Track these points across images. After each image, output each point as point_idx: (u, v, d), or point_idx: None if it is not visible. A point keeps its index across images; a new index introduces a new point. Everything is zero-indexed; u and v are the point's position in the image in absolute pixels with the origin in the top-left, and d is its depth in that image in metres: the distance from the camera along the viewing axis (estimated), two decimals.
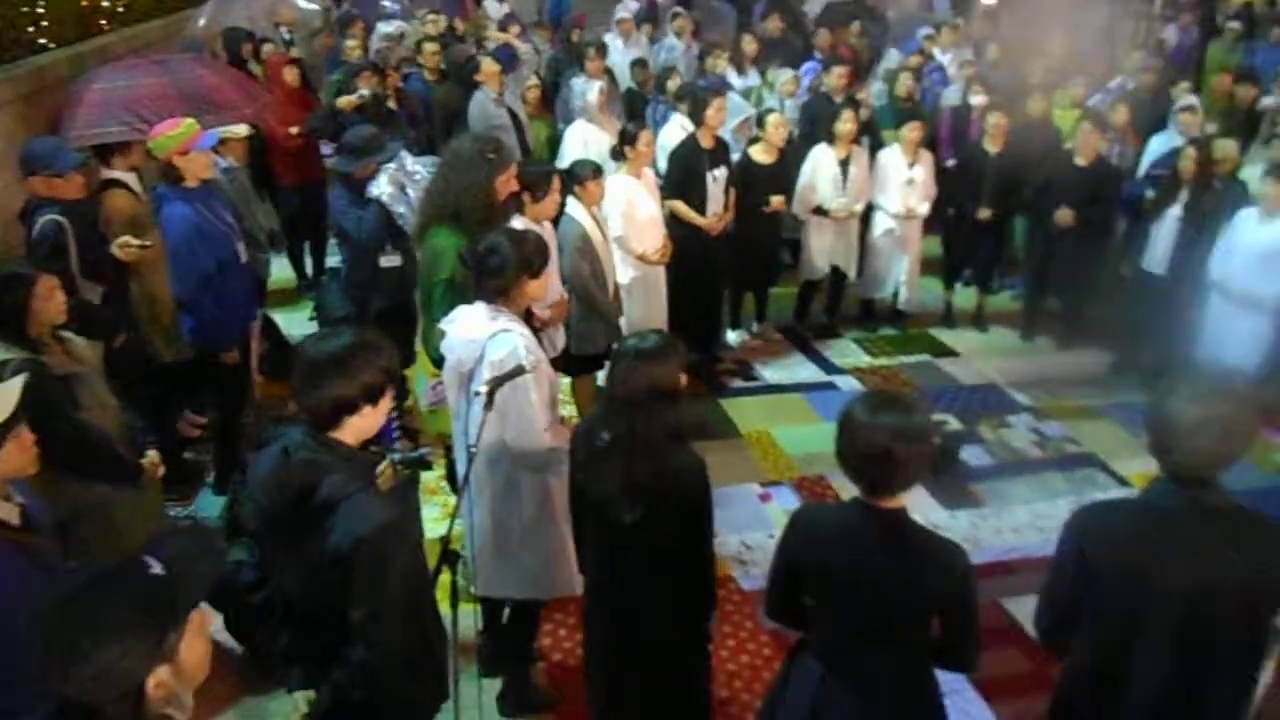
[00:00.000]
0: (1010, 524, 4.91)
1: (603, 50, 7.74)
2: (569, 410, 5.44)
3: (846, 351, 6.75)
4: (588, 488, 2.90)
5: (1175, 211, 5.83)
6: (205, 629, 1.65)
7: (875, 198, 6.58)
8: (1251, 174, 5.94)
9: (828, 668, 2.47)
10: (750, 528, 4.78)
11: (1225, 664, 2.13)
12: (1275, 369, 5.52)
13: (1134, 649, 2.30)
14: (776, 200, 6.17)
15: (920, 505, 5.01)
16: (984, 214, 6.57)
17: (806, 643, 2.58)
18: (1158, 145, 6.72)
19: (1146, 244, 6.00)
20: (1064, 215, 6.25)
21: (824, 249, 6.59)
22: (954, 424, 5.85)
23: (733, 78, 8.10)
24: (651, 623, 2.86)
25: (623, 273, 5.41)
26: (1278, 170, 5.34)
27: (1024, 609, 4.00)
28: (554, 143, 7.20)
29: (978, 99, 7.38)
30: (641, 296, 5.55)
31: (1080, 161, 6.30)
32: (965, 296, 7.25)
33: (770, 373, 6.44)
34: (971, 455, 5.51)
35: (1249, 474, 5.31)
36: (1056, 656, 2.58)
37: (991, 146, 6.58)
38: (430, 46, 7.80)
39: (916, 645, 2.40)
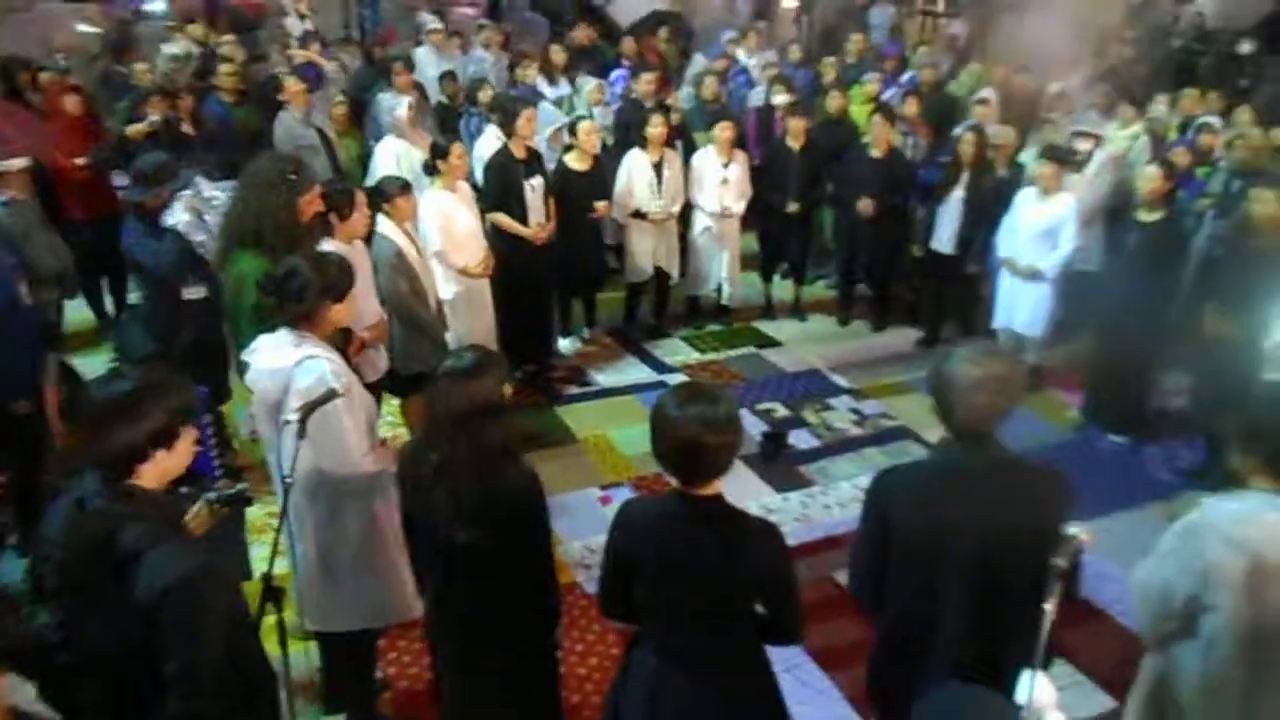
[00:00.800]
0: (837, 500, 5.14)
1: (409, 64, 7.64)
2: (400, 431, 5.35)
3: (676, 350, 6.90)
4: (419, 512, 2.85)
5: (959, 194, 6.26)
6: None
7: (693, 197, 6.75)
8: (1029, 156, 6.45)
9: (661, 656, 2.53)
10: (592, 532, 4.80)
11: (1016, 608, 2.31)
12: (1058, 334, 6.03)
13: (936, 600, 2.47)
14: (600, 206, 6.25)
15: (754, 490, 5.19)
16: (792, 208, 6.86)
17: (641, 634, 2.63)
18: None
19: (935, 226, 6.43)
20: (864, 205, 6.61)
21: (646, 251, 6.72)
22: (781, 411, 6.08)
23: (544, 87, 8.14)
24: (498, 638, 2.84)
25: (445, 288, 5.36)
26: (1050, 152, 5.81)
27: None
28: (365, 160, 7.04)
29: (780, 99, 7.67)
30: (467, 311, 5.51)
31: (875, 153, 6.67)
32: (784, 288, 7.54)
33: (604, 377, 6.51)
34: (799, 439, 5.74)
35: (1045, 430, 5.80)
36: (873, 618, 2.72)
37: (794, 144, 6.86)
38: (227, 67, 7.47)
39: (743, 625, 2.49)
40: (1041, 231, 5.74)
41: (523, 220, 5.85)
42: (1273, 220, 4.75)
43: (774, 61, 9.41)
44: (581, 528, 4.87)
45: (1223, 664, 2.46)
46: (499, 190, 5.86)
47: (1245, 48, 11.12)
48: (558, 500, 5.02)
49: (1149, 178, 5.31)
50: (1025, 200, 5.83)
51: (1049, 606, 2.01)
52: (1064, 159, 5.75)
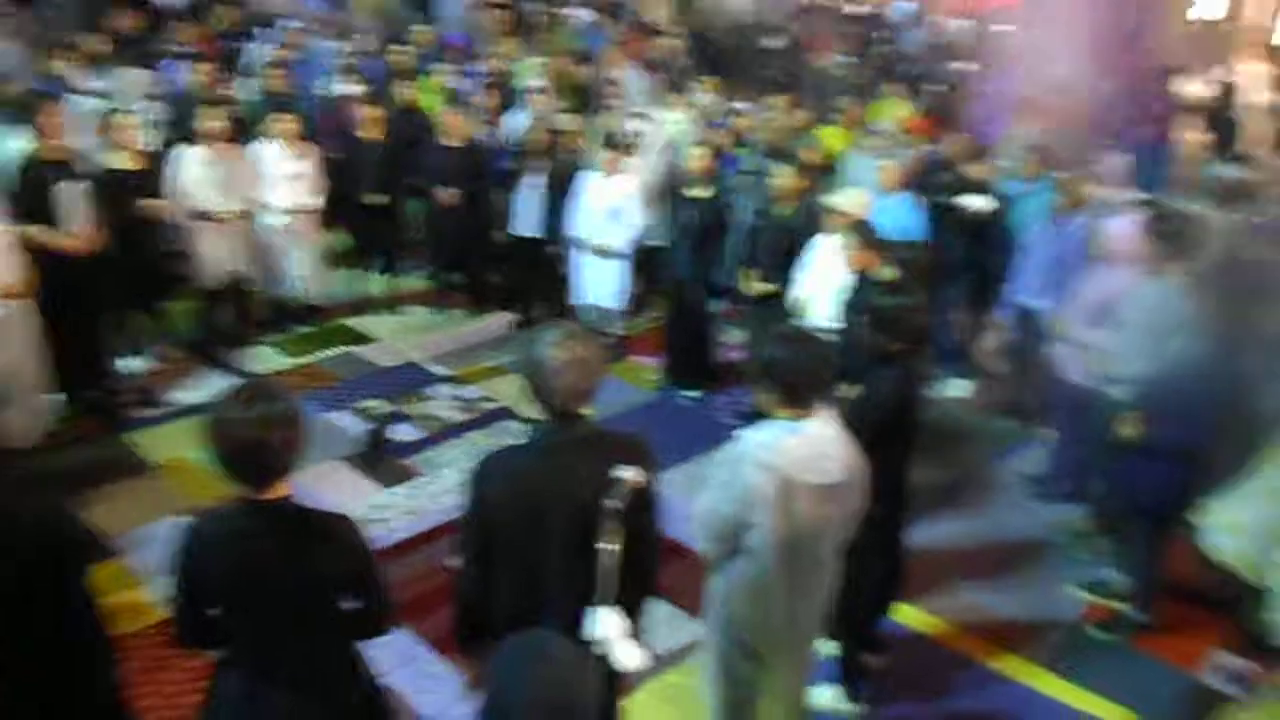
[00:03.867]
0: (444, 487, 5.16)
1: None
2: None
3: (264, 357, 6.51)
4: None
5: (532, 180, 6.54)
6: None
7: (261, 195, 6.37)
8: (592, 142, 6.88)
9: (250, 676, 2.40)
10: None
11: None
12: (636, 305, 6.52)
13: (542, 571, 2.56)
14: (154, 205, 5.69)
15: (360, 491, 5.08)
16: (374, 200, 6.73)
17: (226, 657, 2.47)
18: (514, 123, 7.48)
19: (515, 211, 6.67)
20: (444, 195, 6.67)
21: (217, 255, 6.23)
22: (381, 407, 5.97)
23: (84, 80, 7.24)
24: (44, 695, 2.52)
25: None
26: (609, 138, 6.22)
27: None
28: None
29: (350, 89, 7.50)
30: (4, 337, 4.80)
31: (449, 143, 6.73)
32: (375, 282, 7.40)
33: (182, 394, 5.97)
34: (402, 432, 5.69)
35: (634, 395, 6.25)
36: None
37: (370, 135, 6.73)
38: None
39: (333, 627, 2.42)
40: (609, 211, 6.16)
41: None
42: (790, 190, 5.49)
43: (345, 51, 9.16)
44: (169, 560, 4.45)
45: (767, 571, 2.83)
46: (27, 198, 5.13)
47: (771, 42, 12.69)
48: (137, 534, 4.61)
49: (695, 157, 5.90)
50: (591, 182, 6.22)
51: (607, 546, 2.17)
52: (616, 144, 6.17)
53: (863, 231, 4.50)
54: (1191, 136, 11.74)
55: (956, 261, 6.12)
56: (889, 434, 3.36)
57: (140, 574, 4.36)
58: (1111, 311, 4.57)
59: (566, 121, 6.87)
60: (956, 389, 6.46)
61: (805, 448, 2.76)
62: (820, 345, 2.76)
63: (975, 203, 6.00)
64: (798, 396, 2.73)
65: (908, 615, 4.29)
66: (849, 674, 3.78)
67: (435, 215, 6.88)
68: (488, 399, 6.12)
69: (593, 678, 1.93)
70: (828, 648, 3.63)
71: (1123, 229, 4.58)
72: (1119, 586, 4.36)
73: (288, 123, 6.28)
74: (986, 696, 3.97)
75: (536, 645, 1.78)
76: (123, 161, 5.67)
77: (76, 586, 2.58)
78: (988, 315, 6.54)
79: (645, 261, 7.57)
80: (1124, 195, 5.94)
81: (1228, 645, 4.21)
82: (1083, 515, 4.90)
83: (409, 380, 6.34)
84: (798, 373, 2.69)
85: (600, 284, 6.31)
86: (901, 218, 5.79)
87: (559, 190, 6.51)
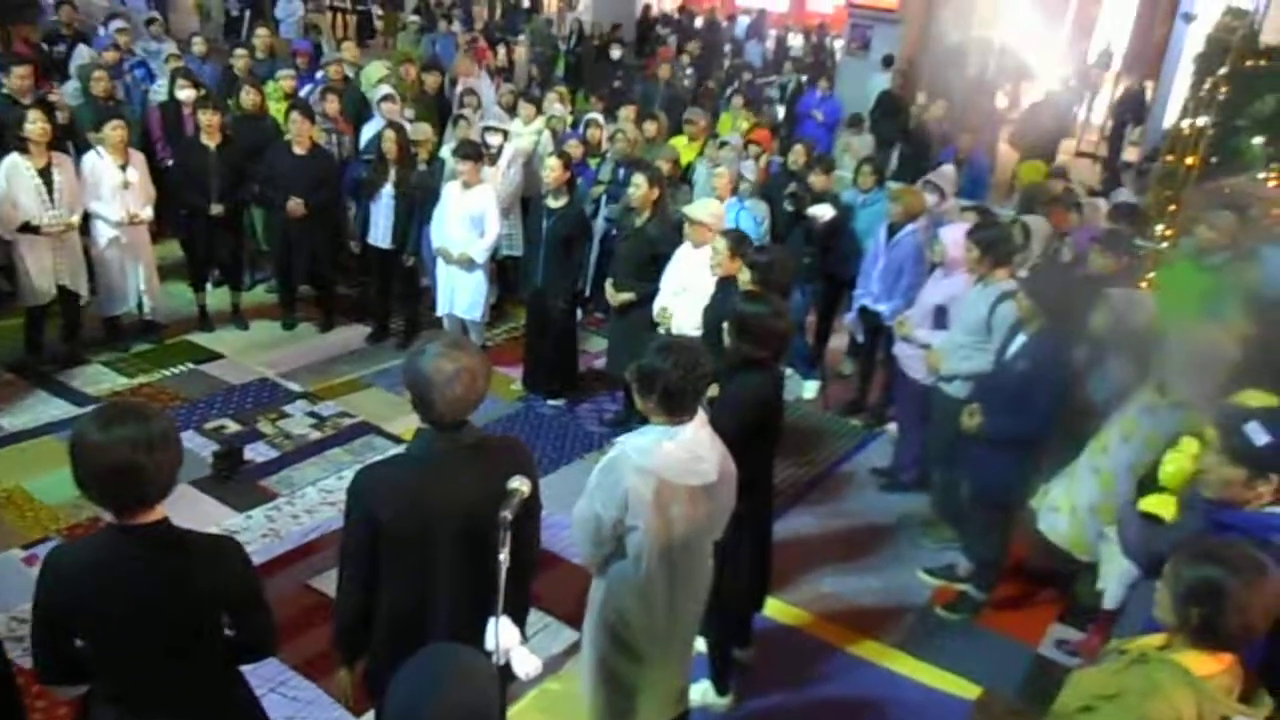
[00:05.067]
0: (304, 507, 5.02)
1: None
2: None
3: (99, 378, 6.12)
4: None
5: (388, 189, 6.43)
6: None
7: (90, 206, 6.00)
8: (448, 151, 6.81)
9: (125, 706, 2.29)
10: (19, 599, 4.11)
11: (490, 567, 2.45)
12: (496, 315, 6.49)
13: (431, 583, 2.54)
14: None
15: (213, 515, 4.87)
16: (216, 210, 6.44)
17: (96, 690, 2.35)
18: (369, 131, 7.32)
19: (370, 221, 6.54)
20: (293, 205, 6.45)
21: (44, 269, 5.82)
22: (233, 426, 5.73)
23: None
24: None
25: None
26: (462, 148, 6.17)
27: (332, 583, 4.14)
28: None
29: (186, 93, 7.16)
30: None
31: (298, 151, 6.53)
32: (218, 296, 7.08)
33: (8, 420, 5.55)
34: (256, 452, 5.47)
35: (496, 406, 6.24)
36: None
37: (209, 141, 6.44)
38: None
39: (211, 650, 2.35)
40: (468, 221, 6.12)
41: None
42: (645, 199, 5.61)
43: (176, 54, 8.74)
44: (5, 597, 4.16)
45: (649, 572, 2.91)
46: None
47: (617, 53, 12.89)
48: None
49: (551, 168, 5.92)
50: (450, 193, 6.17)
51: (503, 557, 2.19)
52: (474, 155, 6.13)
53: (733, 240, 4.67)
54: (1007, 146, 12.69)
55: (804, 268, 6.40)
56: (754, 435, 3.50)
57: None
58: (947, 314, 4.92)
59: (420, 130, 6.78)
60: (808, 390, 6.75)
61: (681, 451, 2.85)
62: (698, 355, 2.85)
63: (818, 211, 6.29)
64: (677, 405, 2.83)
65: (771, 607, 4.45)
66: (718, 669, 3.91)
67: (283, 225, 6.63)
68: (346, 414, 5.96)
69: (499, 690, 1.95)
70: (697, 644, 3.74)
71: (955, 236, 4.93)
72: (963, 569, 4.69)
73: (116, 129, 5.92)
74: (849, 681, 4.19)
75: (448, 659, 1.78)
76: None
77: None
78: (835, 319, 6.88)
79: (502, 272, 7.58)
80: (953, 204, 6.37)
81: (1064, 619, 4.59)
82: (927, 504, 5.23)
83: (261, 398, 6.10)
84: (678, 383, 2.78)
85: (462, 294, 6.26)
86: (739, 223, 6.03)
87: (415, 200, 6.42)
